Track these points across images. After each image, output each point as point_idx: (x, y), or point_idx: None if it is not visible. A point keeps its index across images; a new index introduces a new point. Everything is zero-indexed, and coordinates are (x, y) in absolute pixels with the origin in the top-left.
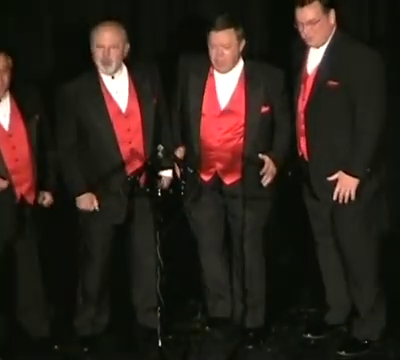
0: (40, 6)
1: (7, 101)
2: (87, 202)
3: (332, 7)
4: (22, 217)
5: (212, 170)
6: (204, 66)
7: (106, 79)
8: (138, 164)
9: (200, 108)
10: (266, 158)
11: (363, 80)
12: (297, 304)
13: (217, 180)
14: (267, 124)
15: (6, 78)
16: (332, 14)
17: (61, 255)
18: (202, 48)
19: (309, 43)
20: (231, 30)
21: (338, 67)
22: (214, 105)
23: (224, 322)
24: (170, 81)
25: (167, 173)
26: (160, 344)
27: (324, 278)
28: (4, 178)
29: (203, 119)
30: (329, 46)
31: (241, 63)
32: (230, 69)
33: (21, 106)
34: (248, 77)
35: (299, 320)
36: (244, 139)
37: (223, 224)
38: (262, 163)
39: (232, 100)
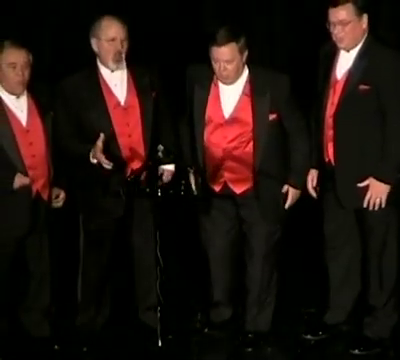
0: (40, 6)
1: (25, 97)
2: (96, 148)
3: (366, 12)
4: (37, 213)
5: (221, 180)
6: (208, 76)
7: (105, 72)
8: (137, 159)
9: (203, 117)
10: (290, 190)
11: (392, 84)
12: (297, 304)
13: (227, 190)
14: (276, 132)
15: (27, 74)
16: (365, 19)
17: (61, 254)
18: (204, 51)
19: (339, 45)
20: (233, 44)
21: (369, 71)
22: (218, 114)
23: (223, 325)
24: (169, 83)
25: (169, 167)
26: (160, 344)
27: (331, 279)
28: (21, 173)
29: (207, 128)
30: (360, 50)
31: (246, 71)
32: (235, 81)
33: (38, 103)
34: (253, 85)
35: (299, 320)
36: (254, 147)
37: (236, 236)
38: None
39: (237, 108)
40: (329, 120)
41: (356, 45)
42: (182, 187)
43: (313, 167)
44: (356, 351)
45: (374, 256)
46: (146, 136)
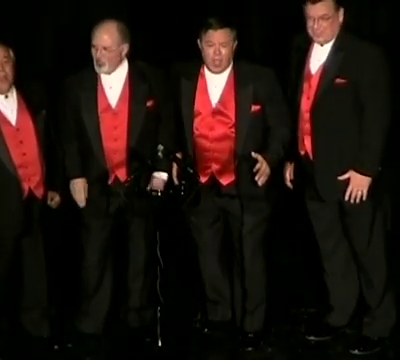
0: (40, 6)
1: (14, 97)
2: (79, 188)
3: (341, 5)
4: (30, 212)
5: (208, 171)
6: (194, 68)
7: (103, 74)
8: (120, 164)
9: (192, 109)
10: (259, 157)
11: (370, 77)
12: (297, 304)
13: (214, 181)
14: (259, 124)
15: (8, 69)
16: (341, 12)
17: (61, 254)
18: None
19: (317, 39)
20: (228, 29)
21: (345, 64)
22: (206, 105)
23: (223, 325)
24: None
25: (162, 175)
26: (160, 344)
27: (327, 280)
28: (10, 172)
29: (196, 120)
30: (334, 44)
31: (231, 63)
32: (225, 69)
33: (28, 102)
34: (237, 76)
35: (299, 320)
36: (235, 138)
37: (222, 227)
38: (255, 162)
39: (222, 100)
40: (305, 114)
41: (331, 39)
42: (182, 187)
43: (289, 161)
44: (356, 351)
45: (360, 253)
46: (131, 142)
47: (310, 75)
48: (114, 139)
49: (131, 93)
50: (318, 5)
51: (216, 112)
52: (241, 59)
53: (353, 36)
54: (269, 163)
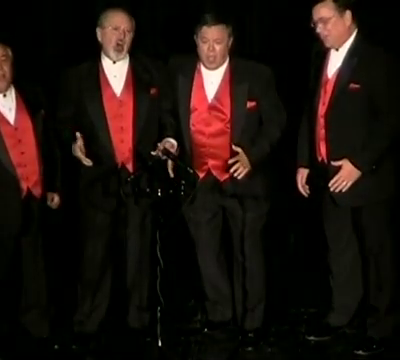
0: (41, 4)
1: (13, 96)
2: (79, 152)
3: (348, 8)
4: (28, 212)
5: (205, 167)
6: (191, 64)
7: (106, 63)
8: (127, 152)
9: (189, 105)
10: (238, 149)
11: (383, 83)
12: (297, 304)
13: (212, 177)
14: (254, 121)
15: (6, 68)
16: (348, 15)
17: (61, 254)
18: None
19: (326, 44)
20: (223, 26)
21: (359, 69)
22: (202, 101)
23: (223, 325)
24: None
25: (172, 141)
26: (160, 344)
27: (333, 281)
28: (9, 171)
29: (192, 115)
30: (350, 49)
31: (227, 59)
32: (220, 66)
33: (27, 101)
34: (233, 73)
35: (299, 320)
36: (231, 134)
37: (221, 225)
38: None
39: (218, 96)
40: (320, 120)
41: (343, 43)
42: (182, 187)
43: (303, 166)
44: (360, 351)
45: (371, 256)
46: (137, 130)
47: (327, 80)
48: (120, 127)
49: (135, 81)
50: (317, 6)
51: (212, 108)
52: (238, 56)
53: (367, 41)
54: (250, 157)
